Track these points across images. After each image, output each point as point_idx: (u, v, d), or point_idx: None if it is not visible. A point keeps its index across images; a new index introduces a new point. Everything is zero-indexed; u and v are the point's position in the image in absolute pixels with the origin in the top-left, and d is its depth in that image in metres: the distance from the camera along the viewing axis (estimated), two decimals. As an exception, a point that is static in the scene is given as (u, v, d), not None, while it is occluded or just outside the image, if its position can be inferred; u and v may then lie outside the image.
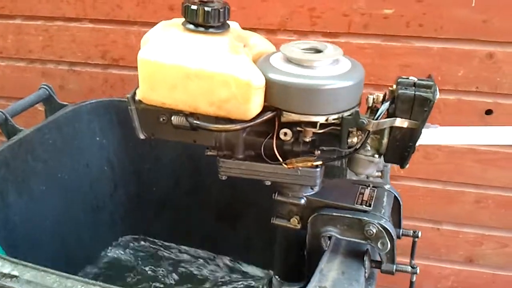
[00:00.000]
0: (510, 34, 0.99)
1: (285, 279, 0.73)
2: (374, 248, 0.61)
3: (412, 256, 0.71)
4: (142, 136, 0.64)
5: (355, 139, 0.58)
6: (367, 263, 0.63)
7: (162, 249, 1.19)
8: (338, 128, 0.57)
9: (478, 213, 1.16)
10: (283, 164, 0.60)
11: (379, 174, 0.64)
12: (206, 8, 0.56)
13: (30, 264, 0.60)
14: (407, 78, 0.58)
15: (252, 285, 1.11)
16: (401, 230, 0.68)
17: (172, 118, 0.61)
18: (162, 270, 1.13)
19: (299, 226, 0.66)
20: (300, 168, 0.61)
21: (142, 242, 1.19)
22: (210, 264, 1.16)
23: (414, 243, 0.70)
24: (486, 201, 1.15)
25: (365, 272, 0.62)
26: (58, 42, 1.21)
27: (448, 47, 1.03)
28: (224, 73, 0.54)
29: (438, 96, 0.55)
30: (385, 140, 0.59)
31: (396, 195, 0.67)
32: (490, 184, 1.13)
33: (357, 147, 0.58)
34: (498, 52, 1.01)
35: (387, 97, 0.60)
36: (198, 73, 0.55)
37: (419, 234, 0.69)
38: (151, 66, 0.56)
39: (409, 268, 0.63)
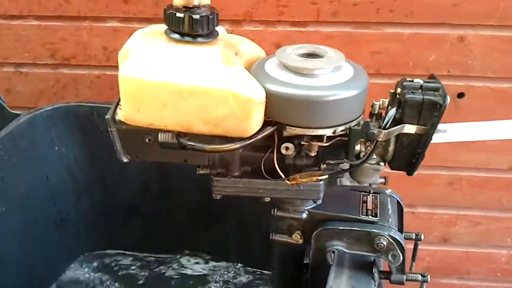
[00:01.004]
0: (481, 17, 0.98)
1: (284, 293, 0.69)
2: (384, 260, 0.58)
3: (413, 259, 0.69)
4: (125, 159, 0.57)
5: (361, 148, 0.54)
6: (376, 275, 0.60)
7: (132, 259, 1.12)
8: (345, 139, 0.53)
9: (451, 194, 1.17)
10: (286, 180, 0.56)
11: (383, 180, 0.60)
12: (194, 16, 0.50)
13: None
14: (412, 81, 0.55)
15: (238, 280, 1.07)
16: (403, 235, 0.66)
17: (159, 136, 0.55)
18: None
19: (301, 241, 0.62)
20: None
21: (110, 256, 1.12)
22: (187, 267, 1.11)
23: (416, 245, 0.68)
24: (459, 183, 1.16)
25: (375, 286, 0.60)
26: (1, 42, 1.09)
27: (419, 32, 1.01)
28: (221, 89, 0.49)
29: (449, 100, 0.52)
30: (391, 147, 0.56)
31: (399, 200, 0.64)
32: (463, 165, 1.14)
33: (365, 158, 0.54)
34: (469, 35, 1.00)
35: (390, 102, 0.56)
36: (191, 90, 0.49)
37: (422, 237, 0.67)
38: (136, 84, 0.49)
39: (419, 277, 0.61)
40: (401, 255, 0.57)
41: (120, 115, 0.53)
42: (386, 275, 0.61)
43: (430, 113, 0.53)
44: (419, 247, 1.26)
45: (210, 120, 0.50)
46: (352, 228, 0.58)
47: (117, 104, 0.54)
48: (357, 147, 0.54)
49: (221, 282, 1.08)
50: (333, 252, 0.60)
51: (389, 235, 0.57)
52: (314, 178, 0.55)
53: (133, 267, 1.10)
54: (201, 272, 1.10)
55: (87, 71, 1.12)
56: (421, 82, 0.54)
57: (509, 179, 1.14)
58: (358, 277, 0.60)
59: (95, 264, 1.09)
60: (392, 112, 0.53)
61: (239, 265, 1.11)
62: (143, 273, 1.09)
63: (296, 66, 0.52)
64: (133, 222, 1.10)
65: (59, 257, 1.04)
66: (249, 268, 1.10)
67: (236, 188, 0.58)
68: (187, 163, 0.57)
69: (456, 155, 1.12)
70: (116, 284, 1.06)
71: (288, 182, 0.56)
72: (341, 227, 0.59)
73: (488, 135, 0.60)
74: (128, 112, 0.51)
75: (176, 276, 1.09)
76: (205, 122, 0.50)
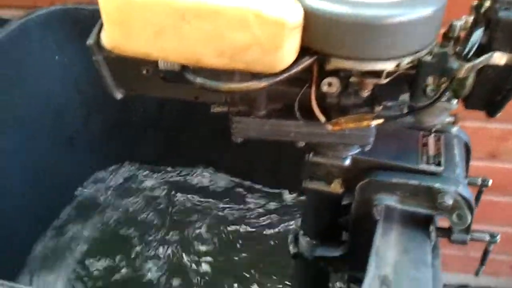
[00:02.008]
0: None
1: (316, 240, 0.59)
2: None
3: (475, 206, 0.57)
4: (118, 95, 0.45)
5: (431, 86, 0.40)
6: (433, 234, 0.49)
7: (153, 172, 1.04)
8: (411, 72, 0.39)
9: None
10: (327, 124, 0.42)
11: (452, 119, 0.47)
12: None
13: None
14: (506, -6, 0.39)
15: (263, 204, 0.99)
16: (466, 180, 0.53)
17: (160, 64, 0.41)
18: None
19: (341, 191, 0.50)
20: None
21: (129, 169, 1.04)
22: (211, 184, 1.03)
23: (479, 193, 0.56)
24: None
25: (430, 246, 0.49)
26: None
27: None
28: (239, 8, 0.34)
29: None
30: (469, 81, 0.42)
31: (466, 140, 0.51)
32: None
33: (437, 98, 0.40)
34: None
35: (474, 19, 0.40)
36: (198, 10, 0.34)
37: (489, 183, 0.54)
38: (122, 5, 0.35)
39: (487, 237, 0.49)
40: (469, 215, 0.45)
41: (107, 41, 0.39)
42: (444, 232, 0.49)
43: (529, 38, 0.38)
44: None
45: (225, 50, 0.36)
46: (409, 181, 0.46)
47: (102, 24, 0.40)
48: (430, 87, 0.39)
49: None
50: (382, 206, 0.49)
51: (456, 192, 0.45)
52: (365, 123, 0.42)
53: (151, 181, 1.03)
54: (221, 187, 1.02)
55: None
56: (518, -7, 0.38)
57: None
58: (410, 236, 0.49)
59: (110, 181, 1.01)
60: (477, 36, 0.38)
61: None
62: (162, 187, 1.02)
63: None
64: (150, 137, 1.00)
65: (71, 177, 0.96)
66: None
67: (261, 130, 0.46)
68: (198, 100, 0.44)
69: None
70: (132, 199, 0.99)
71: (330, 127, 0.42)
72: (394, 180, 0.46)
73: None
74: (116, 39, 0.38)
75: (197, 189, 1.01)
76: (219, 53, 0.37)
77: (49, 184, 0.90)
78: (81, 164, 0.97)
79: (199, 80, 0.39)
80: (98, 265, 0.88)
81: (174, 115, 0.98)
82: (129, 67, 0.42)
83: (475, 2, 0.41)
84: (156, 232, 0.94)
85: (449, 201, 0.45)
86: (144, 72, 0.42)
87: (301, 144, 0.47)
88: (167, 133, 1.00)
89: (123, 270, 0.88)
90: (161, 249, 0.91)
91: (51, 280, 0.86)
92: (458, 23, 0.40)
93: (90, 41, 0.41)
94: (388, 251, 0.48)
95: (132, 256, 0.90)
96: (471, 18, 0.40)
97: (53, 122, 0.89)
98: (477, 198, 0.57)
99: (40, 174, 0.88)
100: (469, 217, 0.46)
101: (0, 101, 0.77)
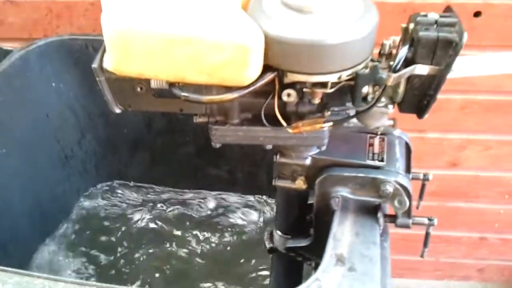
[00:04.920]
0: None
1: (288, 235, 0.68)
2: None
3: (420, 198, 0.67)
4: (117, 110, 0.54)
5: (369, 91, 0.50)
6: (381, 220, 0.58)
7: (142, 191, 1.13)
8: (351, 83, 0.49)
9: (463, 119, 1.14)
10: (287, 128, 0.52)
11: (391, 122, 0.57)
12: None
13: (11, 270, 0.53)
14: (426, 16, 0.50)
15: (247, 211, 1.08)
16: (410, 175, 0.63)
17: (152, 83, 0.51)
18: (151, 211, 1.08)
19: (304, 187, 0.60)
20: (306, 130, 0.53)
21: (119, 188, 1.12)
22: (195, 200, 1.12)
23: (423, 186, 0.66)
24: (471, 106, 1.12)
25: (379, 230, 0.58)
26: (-12, -29, 1.03)
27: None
28: (214, 36, 0.44)
29: (466, 37, 0.47)
30: (401, 89, 0.52)
31: (407, 141, 0.61)
32: (475, 89, 1.09)
33: (373, 103, 0.50)
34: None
35: (402, 38, 0.51)
36: (181, 39, 0.44)
37: (430, 177, 0.64)
38: (122, 35, 0.45)
39: (426, 220, 0.59)
40: (407, 200, 0.55)
41: (108, 64, 0.49)
42: (391, 219, 0.59)
43: (444, 52, 0.48)
44: (428, 171, 1.26)
45: (205, 69, 0.46)
46: (358, 175, 0.56)
47: (104, 51, 0.50)
48: (364, 90, 0.50)
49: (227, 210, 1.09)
50: (337, 198, 0.58)
51: (396, 181, 0.55)
52: (318, 126, 0.52)
53: (140, 199, 1.11)
54: (206, 202, 1.11)
55: (80, -3, 1.06)
56: (436, 16, 0.49)
57: (524, 102, 1.10)
58: (362, 222, 0.58)
59: (103, 196, 1.10)
60: (404, 52, 0.49)
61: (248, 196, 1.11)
62: (150, 204, 1.10)
63: (297, 3, 0.47)
64: (139, 156, 1.09)
65: (67, 193, 1.04)
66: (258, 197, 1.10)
67: (235, 136, 0.55)
68: (183, 112, 0.54)
69: (468, 78, 1.07)
70: (125, 212, 1.07)
71: (290, 130, 0.52)
72: (345, 174, 0.56)
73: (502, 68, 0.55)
74: (116, 62, 0.47)
75: (181, 206, 1.10)
76: (200, 71, 0.46)
77: (46, 200, 0.99)
78: (75, 181, 1.05)
79: (184, 94, 0.49)
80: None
81: (160, 136, 1.07)
82: (126, 86, 0.52)
83: (404, 25, 0.52)
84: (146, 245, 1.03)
85: (390, 189, 0.55)
86: (139, 89, 0.52)
87: (269, 146, 0.57)
88: (154, 153, 1.09)
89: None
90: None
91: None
92: (387, 42, 0.50)
93: (94, 65, 0.50)
94: (343, 235, 0.57)
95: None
96: (398, 38, 0.51)
97: (51, 143, 0.98)
98: (422, 191, 0.67)
99: (38, 192, 0.96)
100: (407, 202, 0.56)
101: (5, 124, 0.86)
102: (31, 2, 1.07)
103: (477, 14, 0.99)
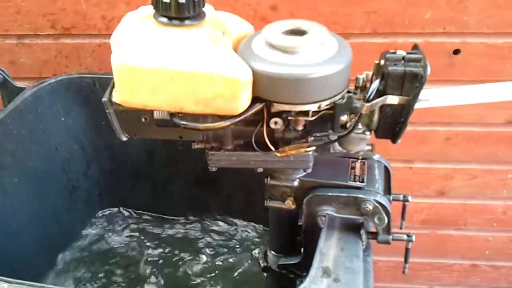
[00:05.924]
0: (475, -28, 0.98)
1: (281, 253, 0.74)
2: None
3: (403, 218, 0.73)
4: (124, 138, 0.61)
5: (347, 119, 0.57)
6: (363, 236, 0.64)
7: (143, 219, 1.18)
8: (330, 112, 0.56)
9: (448, 149, 1.20)
10: (276, 152, 0.59)
11: (370, 148, 0.63)
12: (179, 0, 0.51)
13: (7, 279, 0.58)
14: (395, 53, 0.57)
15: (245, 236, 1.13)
16: (391, 196, 0.69)
17: (155, 114, 0.58)
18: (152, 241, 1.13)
19: (294, 207, 0.66)
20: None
21: (122, 215, 1.18)
22: (195, 225, 1.17)
23: (404, 207, 0.72)
24: (456, 138, 1.18)
25: (362, 245, 0.64)
26: (2, 15, 1.11)
27: (415, -10, 1.01)
28: (208, 71, 0.51)
29: (429, 71, 0.54)
30: (376, 117, 0.59)
31: (386, 164, 0.68)
32: (459, 121, 1.16)
33: (350, 130, 0.57)
34: (464, -9, 1.00)
35: (375, 73, 0.58)
36: (179, 74, 0.51)
37: (409, 198, 0.70)
38: (128, 71, 0.52)
39: (404, 237, 0.65)
40: (386, 218, 0.61)
41: (116, 97, 0.56)
42: (373, 235, 0.65)
43: (411, 84, 0.55)
44: (417, 200, 1.31)
45: (200, 100, 0.53)
46: (340, 194, 0.62)
47: (113, 86, 0.57)
48: (343, 118, 0.56)
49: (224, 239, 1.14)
50: (324, 216, 0.64)
51: (375, 200, 0.61)
52: (302, 150, 0.58)
53: (141, 226, 1.17)
54: (206, 230, 1.17)
55: (88, 40, 1.14)
56: (404, 54, 0.56)
57: (505, 133, 1.16)
58: (346, 238, 0.64)
59: (107, 223, 1.15)
60: (376, 84, 0.56)
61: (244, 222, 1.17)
62: (153, 231, 1.16)
63: (280, 44, 0.54)
64: (140, 186, 1.15)
65: (73, 221, 1.10)
66: (254, 225, 1.16)
67: (229, 160, 0.62)
68: (183, 139, 0.61)
69: (452, 111, 1.14)
70: (127, 239, 1.12)
71: (278, 154, 0.59)
72: (330, 193, 0.62)
73: (470, 99, 0.62)
74: (123, 95, 0.54)
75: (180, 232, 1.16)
76: (196, 102, 0.53)
77: (53, 227, 1.04)
78: (81, 209, 1.11)
79: (183, 122, 0.55)
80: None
81: (161, 167, 1.13)
82: (132, 117, 0.59)
83: (376, 61, 0.59)
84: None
85: (370, 207, 0.61)
86: (143, 120, 0.59)
87: (260, 169, 0.63)
88: (155, 182, 1.15)
89: None
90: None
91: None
92: (361, 76, 0.57)
93: (104, 98, 0.57)
94: (329, 250, 0.63)
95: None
96: (370, 72, 0.58)
97: (59, 173, 1.04)
98: (403, 211, 0.72)
99: (45, 219, 1.02)
100: (386, 219, 0.61)
101: (17, 156, 0.92)
102: (42, 44, 1.15)
103: (456, 52, 1.07)
